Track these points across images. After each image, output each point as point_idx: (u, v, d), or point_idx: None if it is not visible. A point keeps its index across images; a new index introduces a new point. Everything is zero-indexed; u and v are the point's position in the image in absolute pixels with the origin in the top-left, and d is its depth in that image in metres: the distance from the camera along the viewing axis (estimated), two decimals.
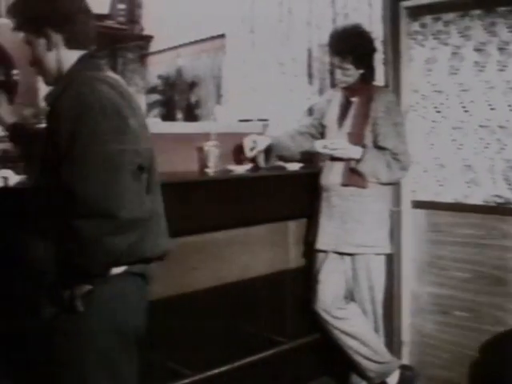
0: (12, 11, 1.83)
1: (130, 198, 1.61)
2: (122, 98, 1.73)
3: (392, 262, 3.22)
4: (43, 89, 2.21)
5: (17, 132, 2.15)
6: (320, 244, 3.03)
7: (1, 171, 2.21)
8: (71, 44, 1.83)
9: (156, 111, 4.43)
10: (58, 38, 1.82)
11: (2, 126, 2.18)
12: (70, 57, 1.83)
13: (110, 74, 1.86)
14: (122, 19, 4.70)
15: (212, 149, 3.01)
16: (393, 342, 3.32)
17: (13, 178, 2.18)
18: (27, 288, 1.83)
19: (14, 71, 3.07)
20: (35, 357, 1.89)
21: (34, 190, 1.84)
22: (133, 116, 1.73)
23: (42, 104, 2.53)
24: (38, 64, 1.85)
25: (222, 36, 4.11)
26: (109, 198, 1.58)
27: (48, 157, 1.72)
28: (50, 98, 1.80)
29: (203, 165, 3.03)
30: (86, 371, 1.73)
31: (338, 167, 2.96)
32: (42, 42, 1.81)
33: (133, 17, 4.81)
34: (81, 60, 1.83)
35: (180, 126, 3.59)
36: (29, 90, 3.11)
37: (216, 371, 2.71)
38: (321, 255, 3.05)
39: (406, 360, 3.35)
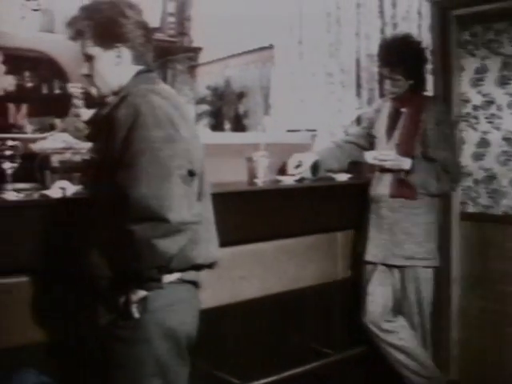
0: (83, 22, 1.83)
1: (178, 201, 1.65)
2: (174, 109, 1.78)
3: (441, 275, 3.17)
4: None
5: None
6: (369, 256, 3.00)
7: (59, 182, 2.27)
8: (136, 61, 1.88)
9: (205, 121, 4.48)
10: (127, 54, 1.86)
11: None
12: (130, 71, 1.88)
13: (163, 86, 1.91)
14: (171, 32, 4.86)
15: (261, 159, 3.02)
16: (441, 356, 3.26)
17: (70, 189, 2.23)
18: (85, 295, 1.87)
19: (69, 84, 3.15)
20: (92, 363, 1.93)
21: (90, 196, 1.89)
22: (184, 126, 1.78)
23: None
24: (96, 76, 1.87)
25: (271, 47, 4.14)
26: (158, 200, 1.62)
27: (103, 165, 1.78)
28: (106, 109, 1.85)
29: (252, 175, 3.05)
30: (141, 377, 1.77)
31: (388, 178, 2.94)
32: (110, 56, 1.85)
33: (182, 29, 4.93)
34: (138, 74, 1.87)
35: (228, 136, 3.63)
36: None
37: (263, 381, 2.70)
38: (369, 267, 3.02)
39: (453, 375, 3.30)
